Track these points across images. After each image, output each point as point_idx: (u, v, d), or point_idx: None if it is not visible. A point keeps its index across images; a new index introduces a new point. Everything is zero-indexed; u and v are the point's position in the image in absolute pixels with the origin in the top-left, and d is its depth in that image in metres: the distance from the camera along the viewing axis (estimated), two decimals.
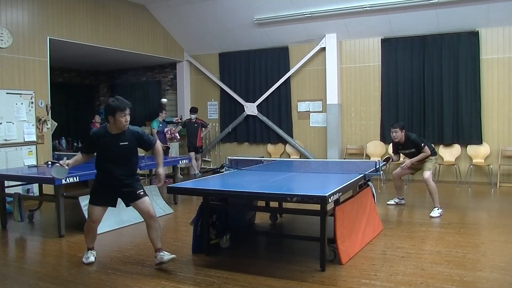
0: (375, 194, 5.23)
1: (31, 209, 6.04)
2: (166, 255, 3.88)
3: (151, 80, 11.73)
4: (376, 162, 4.95)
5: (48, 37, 7.36)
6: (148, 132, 9.89)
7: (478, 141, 8.11)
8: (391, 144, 6.50)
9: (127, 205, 4.02)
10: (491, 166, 7.94)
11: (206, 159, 10.76)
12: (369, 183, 5.13)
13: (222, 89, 10.44)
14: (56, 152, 7.79)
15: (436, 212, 5.77)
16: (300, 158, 9.47)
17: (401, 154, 6.38)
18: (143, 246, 4.63)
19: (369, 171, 4.83)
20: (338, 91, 9.11)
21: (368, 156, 8.88)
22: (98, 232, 4.97)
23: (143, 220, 5.58)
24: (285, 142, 9.82)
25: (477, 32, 8.05)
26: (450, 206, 6.43)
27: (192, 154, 9.19)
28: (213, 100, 10.72)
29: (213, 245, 4.34)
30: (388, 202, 6.58)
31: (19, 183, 5.93)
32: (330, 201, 3.54)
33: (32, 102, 7.11)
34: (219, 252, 4.33)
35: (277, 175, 4.92)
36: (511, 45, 7.89)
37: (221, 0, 8.81)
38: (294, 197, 3.63)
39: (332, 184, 4.03)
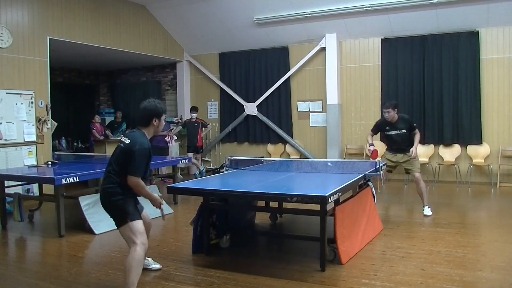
0: (375, 194, 5.22)
1: (31, 209, 6.03)
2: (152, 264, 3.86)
3: (151, 80, 11.73)
4: (376, 162, 4.95)
5: (48, 37, 7.35)
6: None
7: (478, 141, 8.11)
8: (375, 123, 6.20)
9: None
10: (491, 166, 7.94)
11: (206, 159, 10.75)
12: (369, 183, 5.13)
13: (222, 89, 10.44)
14: (56, 152, 7.80)
15: (429, 211, 5.77)
16: (300, 158, 9.47)
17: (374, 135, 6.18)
18: None
19: (369, 171, 4.84)
20: (338, 91, 9.11)
21: (368, 156, 8.86)
22: (98, 232, 4.97)
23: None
24: (285, 142, 9.82)
25: (477, 32, 8.05)
26: (450, 206, 6.44)
27: (191, 154, 9.18)
28: (213, 100, 10.72)
29: (213, 245, 4.34)
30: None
31: (19, 183, 5.93)
32: (330, 201, 3.54)
33: (32, 102, 7.11)
34: (219, 252, 4.33)
35: (277, 175, 4.92)
36: (511, 45, 7.89)
37: (221, 0, 8.81)
38: (294, 197, 3.63)
39: (332, 184, 4.03)
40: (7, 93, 6.75)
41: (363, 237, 4.48)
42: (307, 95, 9.61)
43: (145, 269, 3.63)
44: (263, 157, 9.39)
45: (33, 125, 7.13)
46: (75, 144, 10.22)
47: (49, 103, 7.41)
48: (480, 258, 4.07)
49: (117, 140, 9.17)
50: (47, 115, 7.38)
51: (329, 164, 6.13)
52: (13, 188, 5.77)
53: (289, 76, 9.66)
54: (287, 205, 5.14)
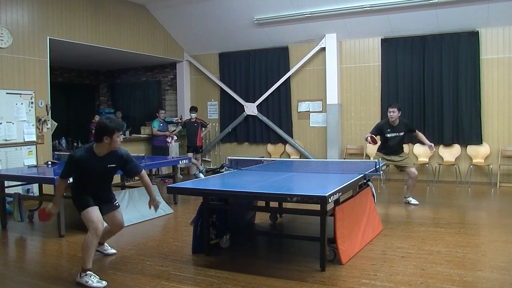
0: (375, 194, 5.23)
1: (31, 209, 6.03)
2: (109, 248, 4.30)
3: (151, 80, 11.73)
4: (376, 162, 4.95)
5: (48, 37, 7.35)
6: (149, 131, 9.91)
7: (478, 141, 8.11)
8: (376, 125, 6.65)
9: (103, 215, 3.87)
10: (491, 166, 7.94)
11: (206, 159, 10.75)
12: (369, 183, 5.13)
13: (222, 89, 10.44)
14: (56, 152, 7.79)
15: (415, 200, 6.40)
16: (300, 158, 9.47)
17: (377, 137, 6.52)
18: (143, 246, 4.64)
19: (369, 171, 4.83)
20: (338, 91, 9.11)
21: (368, 156, 8.87)
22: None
23: (143, 220, 5.65)
24: (285, 142, 9.82)
25: (477, 32, 8.05)
26: (450, 206, 6.44)
27: (191, 154, 9.19)
28: (213, 100, 10.72)
29: (213, 245, 4.34)
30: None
31: (19, 183, 5.93)
32: (330, 201, 3.54)
33: (32, 102, 7.11)
34: (219, 252, 4.32)
35: (277, 175, 4.92)
36: (511, 45, 7.89)
37: (221, 0, 8.81)
38: (294, 197, 3.63)
39: (332, 184, 4.03)
40: (7, 93, 6.75)
41: (363, 237, 4.48)
42: (307, 95, 9.61)
43: (106, 255, 4.29)
44: (263, 157, 9.39)
45: (33, 125, 7.13)
46: (75, 144, 10.18)
47: (49, 103, 7.41)
48: (480, 258, 4.08)
49: None
50: (47, 115, 7.38)
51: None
52: (13, 188, 5.78)
53: (289, 76, 9.66)
54: (287, 205, 5.14)
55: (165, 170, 9.02)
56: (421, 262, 3.93)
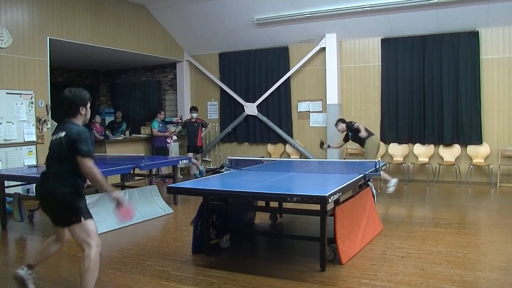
0: (375, 194, 5.23)
1: (31, 209, 6.03)
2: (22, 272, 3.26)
3: (151, 80, 11.73)
4: (376, 162, 4.95)
5: (48, 37, 7.35)
6: (149, 132, 9.90)
7: (478, 141, 8.11)
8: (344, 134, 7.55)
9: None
10: (491, 166, 7.94)
11: (206, 159, 10.75)
12: (369, 183, 5.13)
13: (222, 89, 10.44)
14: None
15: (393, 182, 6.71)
16: (300, 158, 9.47)
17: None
18: (143, 246, 4.64)
19: (369, 171, 4.83)
20: (338, 91, 9.11)
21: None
22: (98, 232, 4.97)
23: (143, 220, 5.64)
24: (285, 142, 9.82)
25: (477, 32, 8.05)
26: (450, 206, 6.44)
27: (191, 154, 9.19)
28: (213, 100, 10.72)
29: (213, 245, 4.34)
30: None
31: (19, 183, 5.93)
32: (330, 201, 3.54)
33: (32, 102, 7.11)
34: (219, 252, 4.32)
35: (277, 175, 4.92)
36: (511, 45, 7.89)
37: (221, 0, 8.81)
38: (294, 197, 3.62)
39: (332, 184, 4.03)
40: (7, 93, 6.75)
41: (363, 237, 4.48)
42: (307, 95, 9.61)
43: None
44: (263, 157, 9.39)
45: (33, 125, 7.13)
46: None
47: (49, 103, 7.41)
48: (480, 258, 4.08)
49: (117, 140, 9.25)
50: (47, 115, 7.38)
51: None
52: (13, 188, 5.77)
53: (289, 76, 9.66)
54: (287, 205, 5.14)
55: (165, 170, 9.02)
56: (421, 262, 3.93)
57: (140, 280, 3.66)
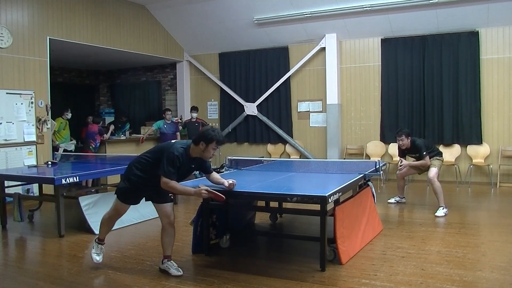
0: (375, 194, 5.23)
1: (31, 209, 6.03)
2: (173, 268, 3.77)
3: (151, 80, 11.73)
4: (376, 162, 4.95)
5: (48, 37, 7.35)
6: (150, 132, 9.85)
7: (478, 141, 8.11)
8: (398, 149, 6.38)
9: (155, 202, 3.88)
10: (491, 166, 7.94)
11: None
12: (369, 183, 5.13)
13: (222, 89, 10.44)
14: (56, 152, 7.78)
15: (441, 212, 5.78)
16: (300, 158, 9.47)
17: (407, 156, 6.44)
18: (143, 246, 4.64)
19: (369, 171, 4.84)
20: (338, 91, 9.11)
21: (368, 156, 8.88)
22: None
23: (143, 220, 5.64)
24: (285, 142, 9.82)
25: (477, 32, 8.05)
26: (450, 206, 6.42)
27: None
28: (213, 100, 10.72)
29: (213, 245, 4.34)
30: (389, 201, 6.59)
31: (19, 183, 5.93)
32: (330, 201, 3.54)
33: (32, 102, 7.11)
34: (219, 252, 4.33)
35: (277, 175, 4.92)
36: (511, 45, 7.89)
37: (221, 0, 8.81)
38: (294, 197, 3.63)
39: (332, 184, 4.03)
40: (7, 93, 6.75)
41: (363, 237, 4.48)
42: (307, 95, 9.61)
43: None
44: (263, 157, 9.39)
45: (33, 125, 7.13)
46: (75, 144, 10.18)
47: (49, 103, 7.41)
48: (480, 258, 4.07)
49: (117, 140, 9.20)
50: (47, 115, 7.39)
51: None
52: (13, 188, 5.77)
53: (289, 76, 9.66)
54: (287, 205, 5.14)
55: None
56: (421, 262, 3.93)
57: (140, 280, 3.66)
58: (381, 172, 5.21)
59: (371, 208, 4.98)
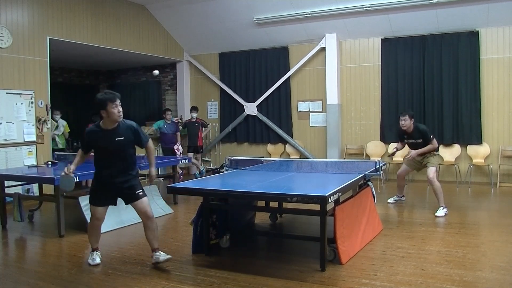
0: (375, 194, 5.23)
1: (31, 209, 6.04)
2: (162, 255, 3.92)
3: (151, 80, 11.73)
4: (376, 162, 4.95)
5: (48, 37, 7.36)
6: (150, 132, 9.88)
7: (478, 141, 8.11)
8: (398, 131, 6.30)
9: (126, 204, 4.03)
10: (491, 166, 7.94)
11: (206, 159, 10.75)
12: (369, 183, 5.13)
13: (222, 89, 10.44)
14: (56, 152, 7.79)
15: (441, 212, 5.77)
16: (300, 158, 9.47)
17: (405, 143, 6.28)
18: (143, 246, 4.63)
19: (369, 171, 4.83)
20: (338, 91, 9.11)
21: (368, 156, 8.88)
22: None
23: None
24: (285, 142, 9.82)
25: (477, 32, 8.05)
26: (450, 206, 6.43)
27: (191, 154, 9.18)
28: (213, 100, 10.72)
29: (213, 245, 4.34)
30: (389, 201, 6.59)
31: (19, 183, 5.93)
32: (330, 201, 3.54)
33: (32, 102, 7.11)
34: (219, 252, 4.33)
35: (277, 175, 4.92)
36: (511, 45, 7.89)
37: (221, 0, 8.81)
38: (294, 197, 3.62)
39: (332, 184, 4.03)
40: (7, 93, 6.75)
41: (363, 237, 4.48)
42: (307, 95, 9.61)
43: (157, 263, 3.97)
44: (263, 157, 9.39)
45: (33, 125, 7.13)
46: (75, 144, 10.19)
47: (49, 103, 7.41)
48: (480, 258, 4.07)
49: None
50: (47, 115, 7.39)
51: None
52: (13, 188, 5.77)
53: (289, 76, 9.66)
54: (287, 205, 5.14)
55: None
56: (421, 262, 3.93)
57: (140, 280, 3.66)
58: (381, 172, 5.21)
59: (371, 208, 4.98)
